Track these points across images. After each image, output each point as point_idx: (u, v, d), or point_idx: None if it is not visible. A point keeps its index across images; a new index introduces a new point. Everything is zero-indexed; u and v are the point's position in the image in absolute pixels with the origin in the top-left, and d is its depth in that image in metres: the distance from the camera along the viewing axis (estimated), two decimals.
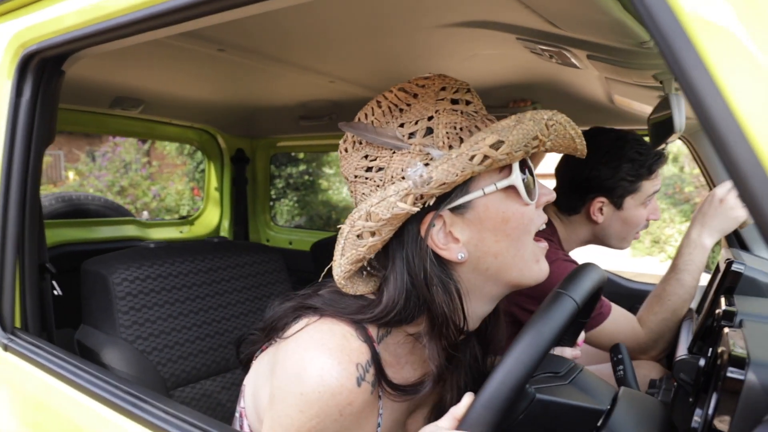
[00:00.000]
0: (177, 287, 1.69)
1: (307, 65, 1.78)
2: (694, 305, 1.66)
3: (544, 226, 0.87)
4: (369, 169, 0.82)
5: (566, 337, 1.13)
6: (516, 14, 1.11)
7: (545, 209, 1.76)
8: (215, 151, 3.06)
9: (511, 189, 0.80)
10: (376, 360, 0.81)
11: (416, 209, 0.76)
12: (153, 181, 10.00)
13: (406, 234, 0.81)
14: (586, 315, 1.10)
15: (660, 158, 1.56)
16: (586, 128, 1.80)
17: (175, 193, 9.76)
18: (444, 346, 0.84)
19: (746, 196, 0.39)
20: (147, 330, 1.60)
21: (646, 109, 1.53)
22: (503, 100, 2.21)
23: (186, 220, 3.09)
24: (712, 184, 1.95)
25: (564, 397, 0.82)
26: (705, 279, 1.75)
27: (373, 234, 0.80)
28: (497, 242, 0.81)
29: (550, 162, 2.31)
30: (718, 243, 1.94)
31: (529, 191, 0.82)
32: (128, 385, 0.96)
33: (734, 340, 0.74)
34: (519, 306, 1.52)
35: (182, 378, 1.65)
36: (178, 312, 1.66)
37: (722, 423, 0.67)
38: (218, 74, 1.91)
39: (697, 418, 0.81)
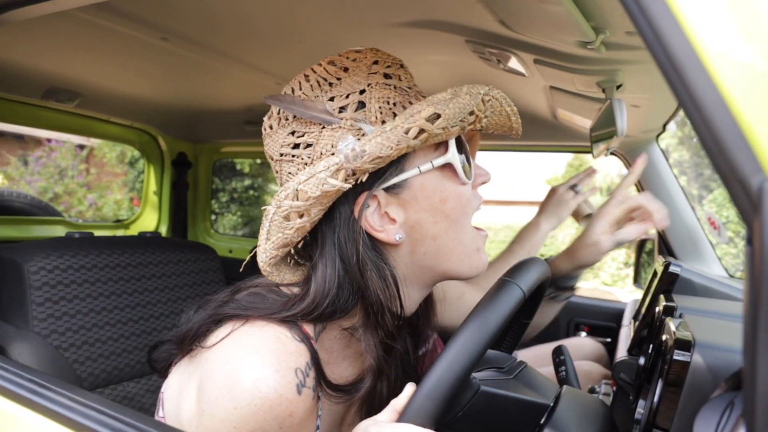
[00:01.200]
0: (102, 280, 1.57)
1: (253, 63, 1.73)
2: (630, 315, 1.71)
3: (481, 208, 0.85)
4: (296, 146, 0.77)
5: (508, 338, 1.12)
6: (468, 11, 1.11)
7: None
8: (155, 153, 2.94)
9: (448, 167, 0.78)
10: (315, 361, 0.74)
11: (348, 185, 0.72)
12: (90, 189, 9.54)
13: (337, 216, 0.77)
14: (529, 315, 1.10)
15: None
16: (533, 143, 1.85)
17: (113, 203, 9.34)
18: (381, 337, 0.79)
19: (699, 120, 0.38)
20: (64, 324, 1.47)
21: (587, 124, 1.58)
22: None
23: (121, 223, 2.93)
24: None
25: (508, 390, 0.80)
26: (639, 293, 1.80)
27: (301, 215, 0.75)
28: (435, 224, 0.78)
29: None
30: (651, 253, 2.03)
31: (466, 171, 0.79)
32: (31, 373, 0.85)
33: (677, 328, 0.75)
34: None
35: (102, 378, 1.53)
36: (101, 307, 1.54)
37: (668, 408, 0.67)
38: (161, 68, 1.83)
39: (640, 410, 0.81)
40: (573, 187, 1.60)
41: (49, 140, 9.07)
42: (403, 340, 0.90)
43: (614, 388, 1.25)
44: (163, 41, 1.51)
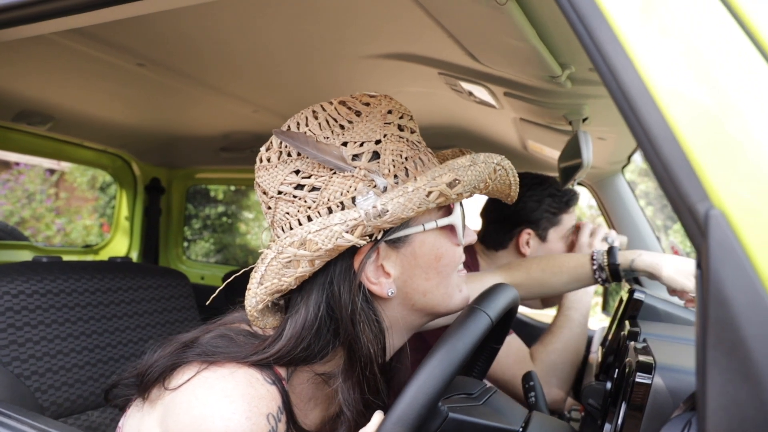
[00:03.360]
0: (69, 306, 1.53)
1: (230, 91, 1.75)
2: (598, 341, 1.74)
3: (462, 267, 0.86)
4: (300, 187, 0.74)
5: (478, 364, 1.13)
6: (438, 45, 1.15)
7: (472, 246, 1.85)
8: (128, 178, 2.90)
9: (449, 228, 0.79)
10: (287, 405, 0.73)
11: (362, 243, 0.70)
12: (59, 214, 9.30)
13: (333, 265, 0.74)
14: (499, 340, 1.11)
15: (574, 195, 1.74)
16: None
17: (82, 228, 9.12)
18: (361, 389, 0.77)
19: (656, 163, 0.41)
20: (27, 351, 1.41)
21: (556, 155, 1.63)
22: (426, 143, 2.27)
23: (90, 248, 2.87)
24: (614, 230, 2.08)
25: (477, 417, 0.80)
26: (607, 321, 1.84)
27: (302, 263, 0.72)
28: (427, 280, 0.79)
29: None
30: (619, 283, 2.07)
31: (463, 231, 0.82)
32: None
33: (640, 352, 0.77)
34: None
35: (65, 407, 1.47)
36: (67, 333, 1.50)
37: (631, 430, 0.68)
38: (136, 93, 1.83)
39: None
40: (605, 239, 1.69)
41: (17, 163, 8.86)
42: (382, 393, 0.87)
43: (582, 413, 1.27)
44: (140, 67, 1.52)
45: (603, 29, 0.48)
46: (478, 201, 1.89)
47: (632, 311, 1.22)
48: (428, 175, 0.71)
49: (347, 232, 0.69)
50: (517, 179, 0.84)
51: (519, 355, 1.50)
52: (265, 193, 0.79)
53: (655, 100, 0.44)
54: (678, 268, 1.25)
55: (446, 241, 0.79)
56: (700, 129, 0.42)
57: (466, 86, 1.41)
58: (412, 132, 0.80)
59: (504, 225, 1.75)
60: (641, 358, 0.72)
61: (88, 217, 9.54)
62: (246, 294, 0.78)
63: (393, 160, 0.74)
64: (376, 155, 0.74)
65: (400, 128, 0.78)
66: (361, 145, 0.74)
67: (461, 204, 0.83)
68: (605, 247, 1.66)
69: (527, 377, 1.17)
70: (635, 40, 0.47)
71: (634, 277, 1.92)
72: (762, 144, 0.41)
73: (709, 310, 0.39)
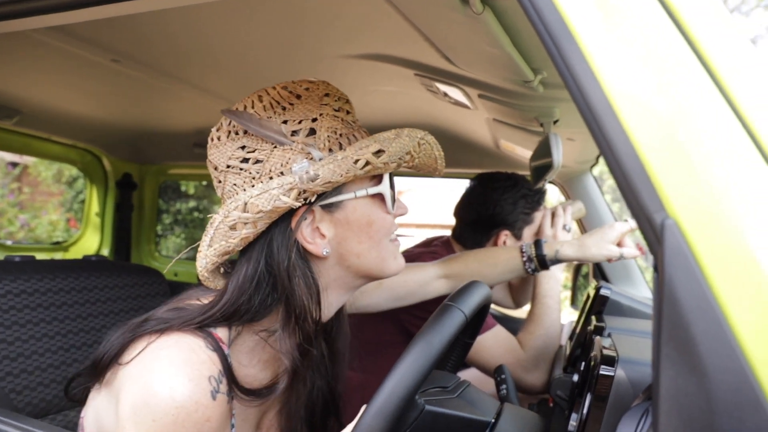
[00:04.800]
0: (43, 306, 1.51)
1: (205, 86, 1.75)
2: (566, 335, 1.81)
3: (395, 236, 0.94)
4: (245, 160, 0.82)
5: (452, 358, 1.17)
6: (415, 48, 1.18)
7: (452, 244, 1.90)
8: (99, 173, 2.85)
9: (379, 196, 0.87)
10: (227, 368, 0.79)
11: (298, 204, 0.79)
12: (22, 210, 9.03)
13: (274, 227, 0.83)
14: (473, 335, 1.15)
15: (544, 193, 1.82)
16: (477, 171, 1.95)
17: (48, 224, 8.87)
18: (299, 340, 0.84)
19: (616, 168, 0.45)
20: (1, 353, 1.40)
21: (528, 155, 1.68)
22: None
23: (59, 245, 2.82)
24: (583, 228, 2.15)
25: (452, 409, 0.84)
26: (575, 315, 1.91)
27: (246, 225, 0.80)
28: (360, 243, 0.86)
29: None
30: (586, 277, 2.14)
31: (393, 202, 0.89)
32: None
33: (604, 345, 0.82)
34: (404, 311, 1.61)
35: (41, 408, 1.46)
36: (41, 333, 1.48)
37: (595, 420, 0.73)
38: (110, 89, 1.81)
39: (573, 423, 0.87)
40: (564, 227, 1.76)
41: None
42: (319, 345, 0.97)
43: (551, 404, 1.32)
44: (114, 63, 1.50)
45: (566, 38, 0.51)
46: (453, 200, 1.93)
47: (598, 307, 1.27)
48: (356, 145, 0.80)
49: (284, 194, 0.78)
50: (442, 153, 0.92)
51: (508, 344, 1.58)
52: (216, 168, 0.87)
53: (617, 114, 0.48)
54: (598, 243, 1.37)
55: (377, 209, 0.88)
56: (657, 142, 0.46)
57: (442, 87, 1.44)
58: (348, 113, 0.89)
59: (482, 226, 1.80)
60: (605, 351, 0.76)
61: (53, 212, 9.29)
62: (197, 256, 0.86)
63: (328, 136, 0.83)
64: (312, 131, 0.83)
65: (336, 109, 0.87)
66: (300, 122, 0.83)
67: (391, 178, 0.91)
68: (566, 235, 1.74)
69: (499, 370, 1.21)
70: (597, 52, 0.50)
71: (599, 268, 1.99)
72: (709, 157, 0.45)
73: (664, 310, 0.43)
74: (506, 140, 1.93)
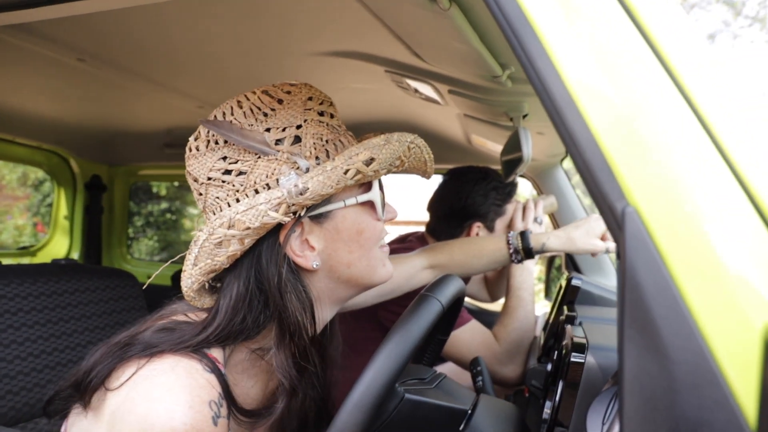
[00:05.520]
0: (11, 311, 1.47)
1: (174, 86, 1.72)
2: (540, 326, 1.84)
3: (386, 241, 0.92)
4: (228, 172, 0.79)
5: (427, 355, 1.19)
6: (384, 44, 1.19)
7: (426, 239, 1.91)
8: (66, 176, 2.79)
9: (369, 204, 0.84)
10: (226, 390, 0.76)
11: (287, 219, 0.76)
12: None
13: (262, 242, 0.79)
14: (446, 331, 1.17)
15: (515, 185, 1.85)
16: (449, 166, 1.97)
17: (13, 229, 8.62)
18: (294, 356, 0.82)
19: (581, 163, 0.46)
20: None
21: (499, 149, 1.71)
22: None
23: (26, 250, 2.75)
24: (555, 222, 2.19)
25: (430, 398, 0.86)
26: (549, 306, 1.94)
27: (233, 242, 0.77)
28: (350, 252, 0.84)
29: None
30: (560, 268, 2.18)
31: (383, 207, 0.87)
32: None
33: (575, 333, 0.84)
34: (382, 307, 1.63)
35: (10, 417, 1.42)
36: (9, 340, 1.44)
37: (567, 406, 0.75)
38: (76, 89, 1.77)
39: (547, 410, 0.89)
40: (535, 220, 1.78)
41: None
42: (313, 359, 0.93)
43: (527, 394, 1.34)
44: (80, 62, 1.47)
45: (528, 34, 0.52)
46: (424, 194, 1.95)
47: (570, 297, 1.30)
48: (346, 154, 0.77)
49: (272, 210, 0.74)
50: (432, 156, 0.90)
51: (484, 337, 1.60)
52: (196, 180, 0.82)
53: (578, 107, 0.49)
54: (585, 237, 1.38)
55: (367, 217, 0.85)
56: (616, 133, 0.48)
57: (412, 83, 1.45)
58: (332, 117, 0.85)
59: (454, 220, 1.83)
60: (576, 339, 0.78)
61: (19, 216, 9.03)
62: (182, 275, 0.82)
63: (314, 143, 0.79)
64: (297, 139, 0.79)
65: (321, 114, 0.83)
66: (284, 130, 0.79)
67: (380, 182, 0.89)
68: (538, 228, 1.77)
69: (475, 363, 1.23)
70: (558, 48, 0.52)
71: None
72: (666, 147, 0.47)
73: (626, 294, 0.44)
74: (477, 135, 1.95)
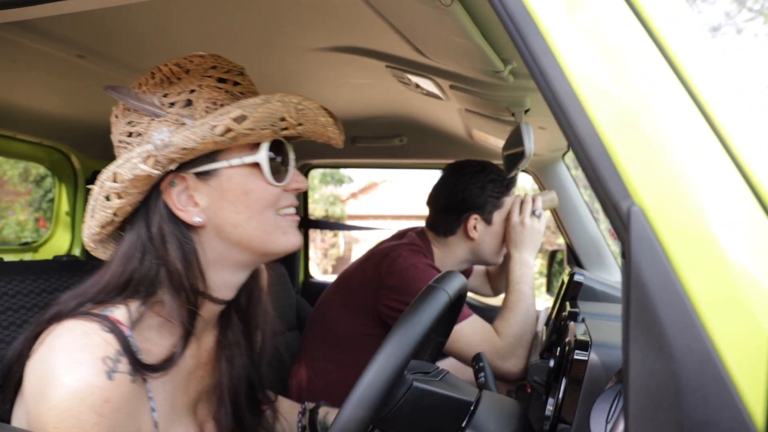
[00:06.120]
0: (13, 309, 1.47)
1: None
2: (542, 321, 1.84)
3: (293, 210, 0.92)
4: (130, 135, 0.83)
5: (426, 357, 1.19)
6: (385, 40, 1.18)
7: (426, 233, 1.91)
8: (68, 171, 2.77)
9: (257, 166, 0.85)
10: (126, 347, 0.77)
11: (156, 172, 0.78)
12: None
13: (152, 196, 0.84)
14: (446, 333, 1.17)
15: (513, 178, 1.84)
16: (450, 161, 1.96)
17: (15, 224, 8.64)
18: (184, 302, 0.84)
19: (583, 157, 0.46)
20: None
21: (500, 144, 1.70)
22: (374, 132, 2.31)
23: (29, 246, 2.74)
24: (557, 218, 2.19)
25: (438, 388, 0.86)
26: (551, 301, 1.94)
27: (119, 196, 0.81)
28: (237, 213, 0.85)
29: None
30: (561, 263, 2.18)
31: (276, 173, 0.86)
32: None
33: (578, 330, 0.83)
34: (384, 305, 1.66)
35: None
36: (12, 337, 1.44)
37: (571, 403, 0.75)
38: (76, 85, 1.76)
39: (549, 407, 0.89)
40: (533, 213, 1.77)
41: None
42: (235, 327, 0.97)
43: (529, 390, 1.35)
44: (80, 58, 1.47)
45: (531, 29, 0.52)
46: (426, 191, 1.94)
47: (573, 292, 1.30)
48: (219, 112, 0.79)
49: (141, 163, 0.78)
50: (331, 120, 0.89)
51: (485, 332, 1.59)
52: (114, 146, 0.88)
53: (582, 104, 0.49)
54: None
55: (255, 179, 0.85)
56: (620, 129, 0.47)
57: (413, 79, 1.44)
58: (236, 85, 0.87)
59: (452, 212, 1.82)
60: (579, 336, 0.78)
61: (21, 212, 9.05)
62: (83, 226, 0.88)
63: (206, 107, 0.82)
64: (189, 102, 0.83)
65: (221, 80, 0.85)
66: (179, 94, 0.83)
67: (285, 150, 0.89)
68: (536, 222, 1.76)
69: (477, 358, 1.23)
70: (561, 43, 0.51)
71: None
72: (672, 145, 0.47)
73: (631, 294, 0.44)
74: (479, 130, 1.95)
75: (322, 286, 2.68)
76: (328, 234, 13.56)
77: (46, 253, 2.79)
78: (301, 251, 2.90)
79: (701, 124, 0.48)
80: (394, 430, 0.82)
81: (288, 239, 0.90)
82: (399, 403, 0.80)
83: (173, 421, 0.88)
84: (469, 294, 2.32)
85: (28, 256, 2.72)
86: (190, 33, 1.31)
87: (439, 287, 0.84)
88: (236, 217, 0.85)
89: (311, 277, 2.97)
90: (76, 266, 1.73)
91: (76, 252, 2.83)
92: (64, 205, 2.82)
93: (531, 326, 1.64)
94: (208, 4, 1.13)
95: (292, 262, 2.84)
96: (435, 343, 1.16)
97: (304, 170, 2.89)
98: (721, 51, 0.51)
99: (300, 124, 0.85)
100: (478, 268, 2.25)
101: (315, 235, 12.73)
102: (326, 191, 15.18)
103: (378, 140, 2.36)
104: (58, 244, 2.83)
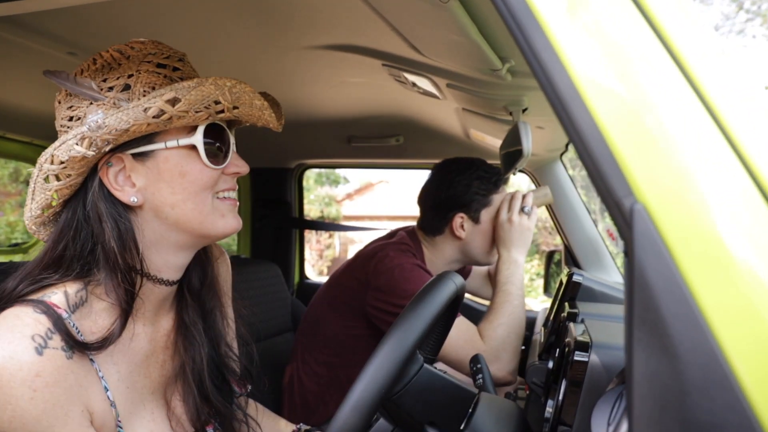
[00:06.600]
0: None
1: None
2: (540, 323, 1.83)
3: (233, 194, 0.94)
4: (71, 119, 0.85)
5: (430, 344, 1.18)
6: (381, 37, 1.17)
7: (416, 233, 1.88)
8: None
9: (194, 148, 0.86)
10: (60, 325, 0.78)
11: (91, 153, 0.80)
12: None
13: (90, 177, 0.85)
14: (447, 325, 1.16)
15: (502, 175, 1.77)
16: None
17: (5, 225, 8.58)
18: (120, 281, 0.85)
19: (584, 153, 0.45)
20: None
21: (498, 143, 1.69)
22: (370, 132, 2.30)
23: (19, 247, 2.72)
24: (553, 215, 2.18)
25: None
26: (549, 302, 1.93)
27: (58, 177, 0.82)
28: (173, 194, 0.86)
29: None
30: (559, 264, 2.18)
31: (214, 156, 0.88)
32: None
33: (578, 331, 0.82)
34: (371, 305, 1.63)
35: None
36: None
37: (571, 405, 0.74)
38: None
39: (549, 409, 0.88)
40: (522, 210, 1.71)
41: None
42: (191, 309, 0.99)
43: (528, 391, 1.33)
44: (70, 56, 1.45)
45: (533, 26, 0.51)
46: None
47: (571, 293, 1.29)
48: (152, 94, 0.81)
49: (76, 144, 0.79)
50: (265, 103, 0.90)
51: (468, 335, 1.55)
52: (57, 129, 0.89)
53: (585, 101, 0.47)
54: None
55: (191, 161, 0.86)
56: (623, 126, 0.46)
57: (410, 77, 1.43)
58: (175, 70, 0.88)
59: (438, 211, 1.78)
60: (579, 337, 0.77)
61: (11, 213, 8.99)
62: (24, 209, 0.89)
63: (144, 91, 0.83)
64: (127, 87, 0.84)
65: (160, 66, 0.87)
66: (117, 79, 0.84)
67: (226, 135, 0.90)
68: (525, 220, 1.70)
69: (474, 360, 1.22)
70: (563, 40, 0.50)
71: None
72: (676, 142, 0.46)
73: (635, 294, 0.43)
74: (476, 130, 1.94)
75: (317, 288, 2.67)
76: (324, 235, 13.55)
77: (36, 254, 2.76)
78: (296, 252, 2.89)
79: (705, 120, 0.47)
80: (403, 412, 0.82)
81: (226, 222, 0.91)
82: (411, 381, 0.80)
83: (135, 403, 0.89)
84: (468, 296, 2.30)
85: (18, 258, 2.70)
86: (182, 30, 1.29)
87: (447, 276, 0.85)
88: (173, 197, 0.86)
89: (306, 278, 2.96)
90: None
91: None
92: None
93: (517, 329, 1.58)
94: (200, 1, 1.12)
95: (287, 263, 2.83)
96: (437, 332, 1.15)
97: (299, 170, 2.88)
98: (725, 48, 0.50)
99: (236, 108, 0.86)
100: (479, 269, 2.20)
101: (310, 236, 12.71)
102: (321, 192, 15.16)
103: (374, 140, 2.34)
104: None
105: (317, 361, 1.77)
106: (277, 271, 2.45)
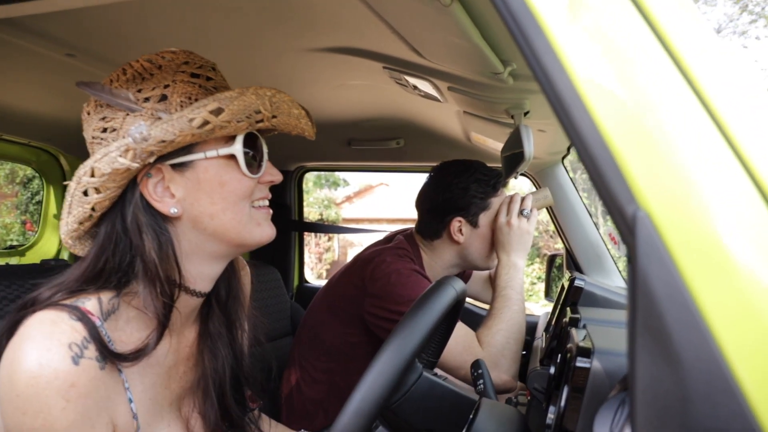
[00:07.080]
0: None
1: None
2: (542, 328, 1.82)
3: (266, 202, 0.95)
4: (105, 130, 0.84)
5: (430, 351, 1.17)
6: (384, 40, 1.17)
7: (414, 237, 1.86)
8: (56, 173, 2.74)
9: (233, 158, 0.86)
10: (95, 335, 0.77)
11: (136, 165, 0.79)
12: None
13: (129, 189, 0.85)
14: (448, 330, 1.16)
15: (501, 177, 1.75)
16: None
17: (1, 227, 8.57)
18: (159, 293, 0.84)
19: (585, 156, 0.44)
20: None
21: (499, 146, 1.68)
22: (370, 135, 2.30)
23: (15, 250, 2.70)
24: (554, 217, 2.17)
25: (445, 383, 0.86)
26: (550, 307, 1.92)
27: (97, 190, 0.82)
28: (212, 204, 0.86)
29: None
30: (560, 268, 2.17)
31: (251, 165, 0.88)
32: None
33: (580, 337, 0.82)
34: (368, 312, 1.61)
35: None
36: None
37: (573, 412, 0.73)
38: (66, 85, 1.74)
39: (551, 415, 0.88)
40: (521, 212, 1.69)
41: None
42: (217, 319, 0.99)
43: (529, 397, 1.33)
44: (69, 57, 1.45)
45: (534, 29, 0.50)
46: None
47: (573, 298, 1.28)
48: (196, 105, 0.81)
49: (120, 156, 0.79)
50: (303, 112, 0.91)
51: (466, 341, 1.53)
52: (89, 142, 0.89)
53: (586, 106, 0.47)
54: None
55: (230, 170, 0.87)
56: (625, 132, 0.46)
57: (411, 80, 1.43)
58: (209, 80, 0.88)
59: (436, 215, 1.75)
60: (581, 343, 0.77)
61: (7, 214, 8.98)
62: (60, 223, 0.88)
63: (181, 101, 0.83)
64: (164, 97, 0.84)
65: (194, 75, 0.87)
66: (153, 89, 0.84)
67: (259, 143, 0.91)
68: (524, 222, 1.68)
69: (475, 365, 1.21)
70: (564, 43, 0.49)
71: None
72: (678, 148, 0.45)
73: (638, 301, 0.42)
74: (477, 133, 1.93)
75: (316, 291, 2.66)
76: (323, 238, 13.54)
77: (33, 257, 2.75)
78: (295, 256, 2.88)
79: (709, 127, 0.47)
80: (402, 421, 0.82)
81: (262, 231, 0.91)
82: (410, 389, 0.80)
83: (155, 416, 0.88)
84: (469, 300, 2.29)
85: (14, 260, 2.69)
86: (181, 32, 1.29)
87: (446, 283, 0.85)
88: (212, 208, 0.86)
89: (306, 281, 2.95)
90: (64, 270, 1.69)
91: (65, 256, 2.80)
92: (52, 208, 2.79)
93: (517, 334, 1.55)
94: (200, 2, 1.11)
95: (286, 267, 2.81)
96: (436, 343, 1.15)
97: (299, 173, 2.88)
98: (727, 50, 0.50)
99: (274, 117, 0.86)
100: (479, 273, 2.17)
101: (309, 239, 12.70)
102: (321, 194, 15.15)
103: (374, 142, 2.34)
104: (46, 247, 2.79)
105: (315, 368, 1.75)
106: (276, 274, 2.44)
